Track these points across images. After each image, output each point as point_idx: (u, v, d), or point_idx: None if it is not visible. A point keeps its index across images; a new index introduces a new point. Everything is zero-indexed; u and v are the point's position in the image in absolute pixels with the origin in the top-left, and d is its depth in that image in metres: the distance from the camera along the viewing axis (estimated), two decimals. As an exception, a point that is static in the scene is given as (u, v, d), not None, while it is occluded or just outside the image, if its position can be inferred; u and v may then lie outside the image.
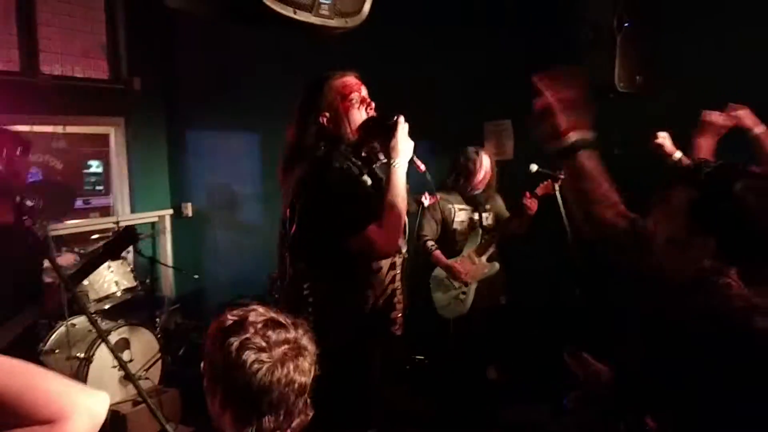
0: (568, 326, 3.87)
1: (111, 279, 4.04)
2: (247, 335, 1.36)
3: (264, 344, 1.35)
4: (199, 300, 5.69)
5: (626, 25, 3.75)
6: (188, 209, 5.97)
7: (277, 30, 4.72)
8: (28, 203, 2.11)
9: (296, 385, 1.37)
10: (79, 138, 5.65)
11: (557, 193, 3.69)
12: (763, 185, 1.50)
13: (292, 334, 1.41)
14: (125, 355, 3.80)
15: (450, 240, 4.00)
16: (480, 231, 3.98)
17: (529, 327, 4.13)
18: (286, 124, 4.97)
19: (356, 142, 2.27)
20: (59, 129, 5.37)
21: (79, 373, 3.59)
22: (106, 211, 5.75)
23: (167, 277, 5.72)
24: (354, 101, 2.29)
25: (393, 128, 2.23)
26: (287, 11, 1.85)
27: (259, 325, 1.39)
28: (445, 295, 4.04)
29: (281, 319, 1.43)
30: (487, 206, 4.05)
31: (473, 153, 3.96)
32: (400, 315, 2.34)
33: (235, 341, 1.35)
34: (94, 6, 5.64)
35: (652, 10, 3.83)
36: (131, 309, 4.37)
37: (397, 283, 2.31)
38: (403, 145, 2.23)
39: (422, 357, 4.50)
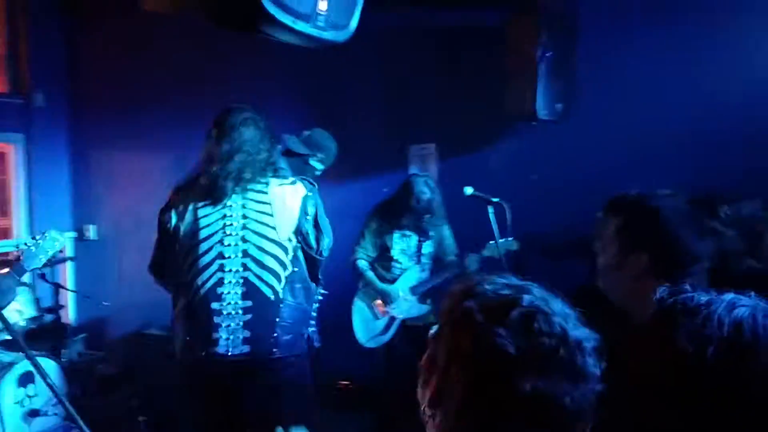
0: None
1: (12, 307, 3.71)
2: None
3: None
4: (102, 329, 5.35)
5: (547, 54, 3.91)
6: (91, 232, 5.62)
7: (204, 47, 4.67)
8: None
9: None
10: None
11: None
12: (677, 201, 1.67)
13: None
14: (29, 390, 3.49)
15: (386, 267, 3.93)
16: (418, 267, 3.93)
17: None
18: (195, 144, 4.85)
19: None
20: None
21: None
22: (-2, 233, 5.31)
23: (68, 304, 5.34)
24: None
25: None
26: (287, 20, 1.83)
27: None
28: (369, 327, 3.93)
29: None
30: (431, 233, 3.98)
31: (416, 178, 3.92)
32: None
33: None
34: (-9, 13, 5.27)
35: (572, 41, 4.01)
36: (32, 339, 4.03)
37: None
38: None
39: (347, 381, 4.43)
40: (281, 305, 2.50)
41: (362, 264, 3.91)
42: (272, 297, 2.49)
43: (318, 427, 1.10)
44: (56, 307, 4.36)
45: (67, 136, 5.65)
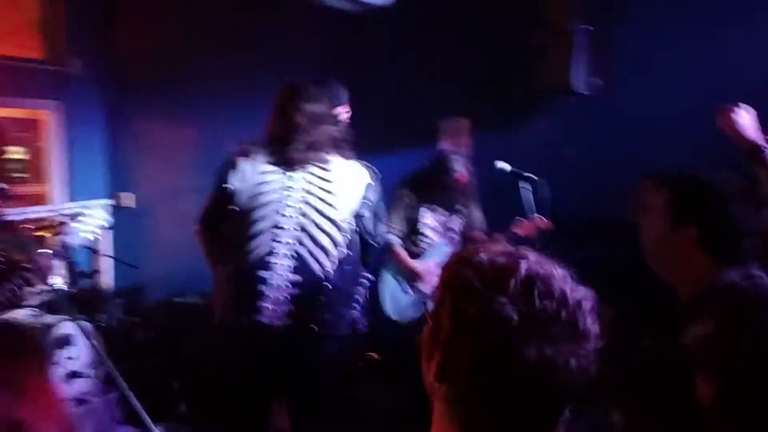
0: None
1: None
2: None
3: None
4: (139, 296, 5.46)
5: (584, 27, 3.84)
6: (129, 200, 5.71)
7: (241, 17, 4.67)
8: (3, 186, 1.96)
9: None
10: (2, 122, 5.31)
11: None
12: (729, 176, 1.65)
13: None
14: (68, 352, 3.59)
15: (414, 242, 3.91)
16: (445, 243, 3.89)
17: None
18: (229, 113, 4.88)
19: None
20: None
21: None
22: (31, 199, 5.42)
23: (106, 270, 5.45)
24: None
25: None
26: None
27: None
28: (398, 303, 3.89)
29: None
30: (461, 209, 3.94)
31: (450, 153, 3.88)
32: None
33: None
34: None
35: (608, 13, 3.92)
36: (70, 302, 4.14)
37: None
38: None
39: (374, 354, 4.47)
40: (328, 284, 2.51)
41: (392, 238, 3.89)
42: (321, 275, 2.50)
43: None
44: (93, 273, 4.46)
45: (103, 103, 5.72)
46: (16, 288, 2.40)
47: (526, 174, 3.62)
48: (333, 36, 4.39)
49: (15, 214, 4.75)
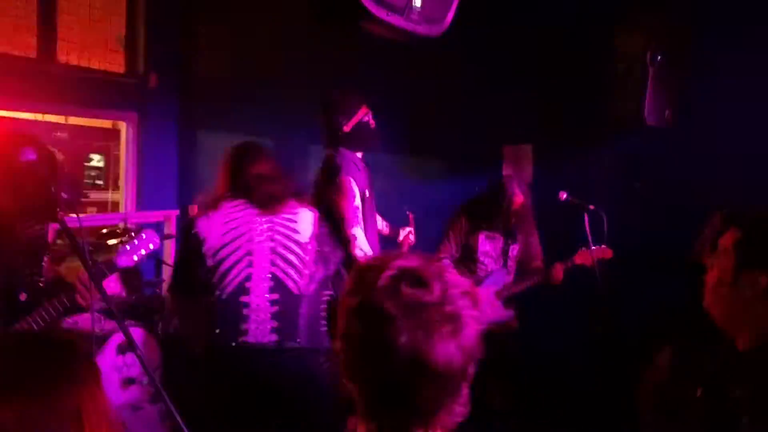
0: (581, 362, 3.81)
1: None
2: None
3: None
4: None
5: (659, 58, 3.73)
6: (195, 211, 5.86)
7: (308, 40, 4.78)
8: (63, 195, 2.05)
9: None
10: (84, 130, 5.58)
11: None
12: None
13: None
14: (127, 358, 3.69)
15: (470, 268, 3.84)
16: (505, 270, 3.83)
17: (541, 355, 4.05)
18: (296, 132, 4.95)
19: None
20: (62, 120, 5.31)
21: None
22: (104, 206, 5.66)
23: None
24: None
25: None
26: (381, 12, 1.85)
27: None
28: None
29: None
30: (518, 236, 3.86)
31: (507, 178, 3.84)
32: None
33: None
34: (115, -3, 5.59)
35: (684, 45, 3.80)
36: (131, 310, 4.26)
37: None
38: None
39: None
40: (302, 300, 2.72)
41: (445, 263, 3.84)
42: (296, 291, 2.70)
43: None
44: (157, 282, 4.59)
45: (176, 117, 5.93)
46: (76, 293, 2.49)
47: (588, 205, 3.53)
48: (394, 60, 4.41)
49: (83, 220, 4.95)
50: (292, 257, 2.72)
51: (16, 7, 4.90)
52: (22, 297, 2.37)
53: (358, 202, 3.21)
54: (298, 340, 2.69)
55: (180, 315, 2.98)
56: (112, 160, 5.69)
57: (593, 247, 3.57)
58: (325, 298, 2.91)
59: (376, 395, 1.03)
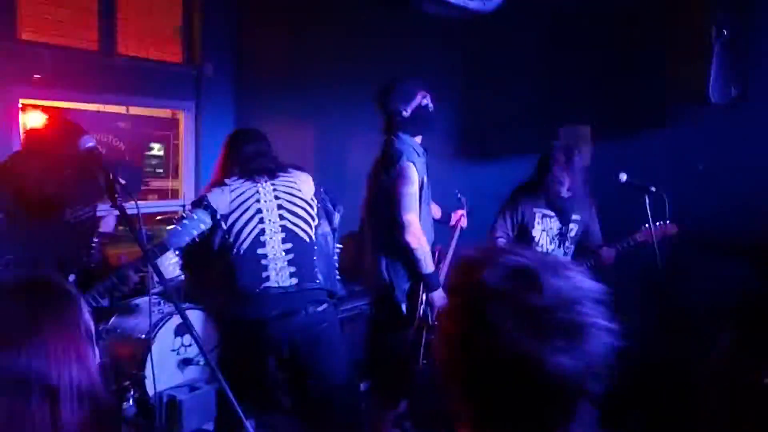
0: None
1: (175, 262, 4.03)
2: None
3: None
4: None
5: (724, 33, 3.55)
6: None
7: (361, 23, 4.77)
8: (121, 181, 2.10)
9: None
10: (143, 120, 5.72)
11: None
12: None
13: None
14: (185, 340, 3.79)
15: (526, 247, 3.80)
16: (563, 251, 3.73)
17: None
18: (348, 115, 4.95)
19: None
20: (123, 110, 5.46)
21: (139, 354, 3.59)
22: (164, 193, 5.81)
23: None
24: None
25: None
26: None
27: None
28: None
29: None
30: (575, 216, 3.73)
31: (564, 150, 3.66)
32: None
33: None
34: (171, -11, 5.71)
35: (750, 20, 3.61)
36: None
37: None
38: None
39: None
40: (315, 247, 3.04)
41: (501, 243, 3.77)
42: (308, 240, 3.02)
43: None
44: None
45: (232, 104, 6.03)
46: (134, 276, 2.56)
47: (649, 186, 3.41)
48: (451, 38, 4.34)
49: (144, 207, 5.10)
50: (298, 210, 3.02)
51: (78, 1, 5.05)
52: (71, 278, 2.43)
53: (415, 188, 3.20)
54: (317, 281, 3.01)
55: (196, 280, 3.14)
56: (171, 148, 5.84)
57: (658, 223, 3.47)
58: (336, 250, 3.26)
59: (479, 405, 0.93)
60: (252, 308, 2.93)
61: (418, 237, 3.16)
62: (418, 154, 3.29)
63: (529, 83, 4.29)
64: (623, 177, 3.49)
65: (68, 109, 5.05)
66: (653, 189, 3.42)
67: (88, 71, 4.99)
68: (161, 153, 5.81)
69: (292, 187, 3.06)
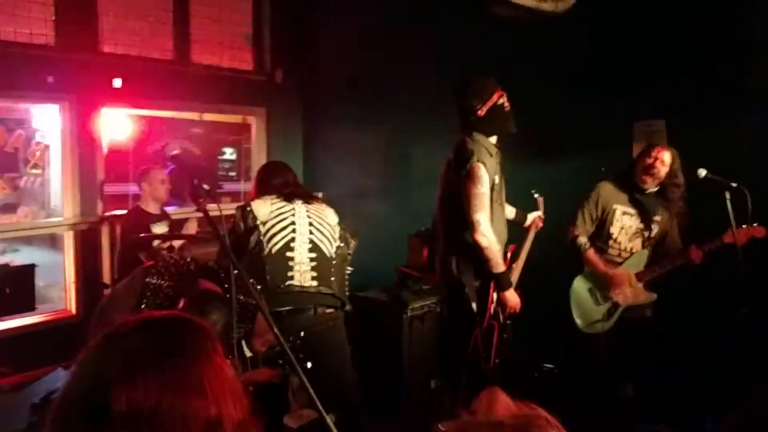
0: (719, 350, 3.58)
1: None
2: None
3: None
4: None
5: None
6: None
7: (429, 30, 4.79)
8: (205, 187, 2.18)
9: None
10: (216, 126, 5.90)
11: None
12: None
13: None
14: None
15: (602, 245, 3.70)
16: (648, 251, 3.65)
17: (674, 345, 3.83)
18: (414, 124, 4.96)
19: None
20: (196, 116, 5.64)
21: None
22: (236, 196, 5.97)
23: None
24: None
25: None
26: None
27: None
28: (587, 312, 3.71)
29: None
30: (656, 217, 3.64)
31: (651, 147, 3.59)
32: None
33: None
34: (242, -2, 5.88)
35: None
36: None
37: None
38: None
39: (551, 366, 4.30)
40: (333, 262, 3.44)
41: (582, 240, 3.69)
42: (328, 254, 3.42)
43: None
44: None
45: (301, 111, 6.16)
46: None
47: (729, 182, 3.29)
48: (519, 37, 4.30)
49: (215, 210, 5.27)
50: (324, 230, 3.45)
51: (153, 13, 5.26)
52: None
53: (486, 188, 3.20)
54: (332, 289, 3.41)
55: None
56: (243, 152, 6.00)
57: (744, 226, 3.33)
58: (347, 271, 3.64)
59: None
60: (273, 301, 3.15)
61: (487, 236, 3.17)
62: (490, 154, 3.29)
63: (601, 79, 4.20)
64: (702, 173, 3.38)
65: (145, 117, 5.28)
66: (734, 185, 3.30)
67: (165, 80, 5.20)
68: (233, 157, 5.99)
69: (321, 213, 3.50)
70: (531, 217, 3.78)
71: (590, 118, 4.23)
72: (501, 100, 3.31)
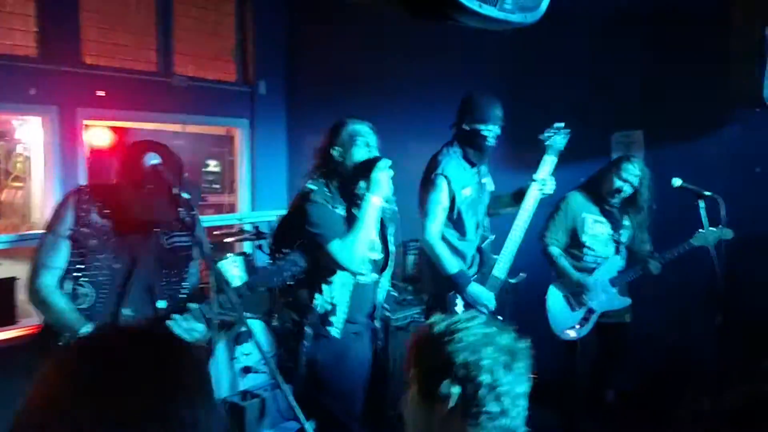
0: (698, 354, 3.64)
1: (233, 272, 4.16)
2: None
3: None
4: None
5: (776, 33, 3.49)
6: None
7: (407, 38, 4.84)
8: (185, 196, 2.16)
9: None
10: (199, 138, 5.90)
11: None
12: None
13: None
14: (245, 348, 3.90)
15: (578, 254, 3.76)
16: (621, 257, 3.73)
17: (655, 350, 3.89)
18: (401, 133, 4.96)
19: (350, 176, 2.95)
20: (179, 128, 5.64)
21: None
22: (221, 208, 5.97)
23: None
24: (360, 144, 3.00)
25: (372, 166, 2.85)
26: (473, 4, 1.86)
27: None
28: (563, 319, 3.74)
29: None
30: (625, 221, 3.75)
31: (623, 160, 3.66)
32: None
33: None
34: (225, 11, 5.89)
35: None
36: (247, 302, 4.47)
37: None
38: (378, 182, 2.83)
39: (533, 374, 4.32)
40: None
41: (554, 250, 3.77)
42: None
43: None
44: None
45: (285, 121, 6.19)
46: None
47: (704, 191, 3.36)
48: (498, 49, 4.37)
49: (204, 222, 5.27)
50: None
51: (136, 24, 5.28)
52: (162, 305, 2.41)
53: (442, 198, 3.28)
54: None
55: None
56: (227, 165, 6.01)
57: (711, 228, 3.41)
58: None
59: None
60: None
61: (432, 242, 3.27)
62: (463, 168, 3.34)
63: (580, 88, 4.27)
64: (677, 182, 3.46)
65: (128, 128, 5.27)
66: (708, 193, 3.37)
67: (148, 91, 5.20)
68: (218, 169, 5.99)
69: None
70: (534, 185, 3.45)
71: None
72: (487, 133, 3.32)
